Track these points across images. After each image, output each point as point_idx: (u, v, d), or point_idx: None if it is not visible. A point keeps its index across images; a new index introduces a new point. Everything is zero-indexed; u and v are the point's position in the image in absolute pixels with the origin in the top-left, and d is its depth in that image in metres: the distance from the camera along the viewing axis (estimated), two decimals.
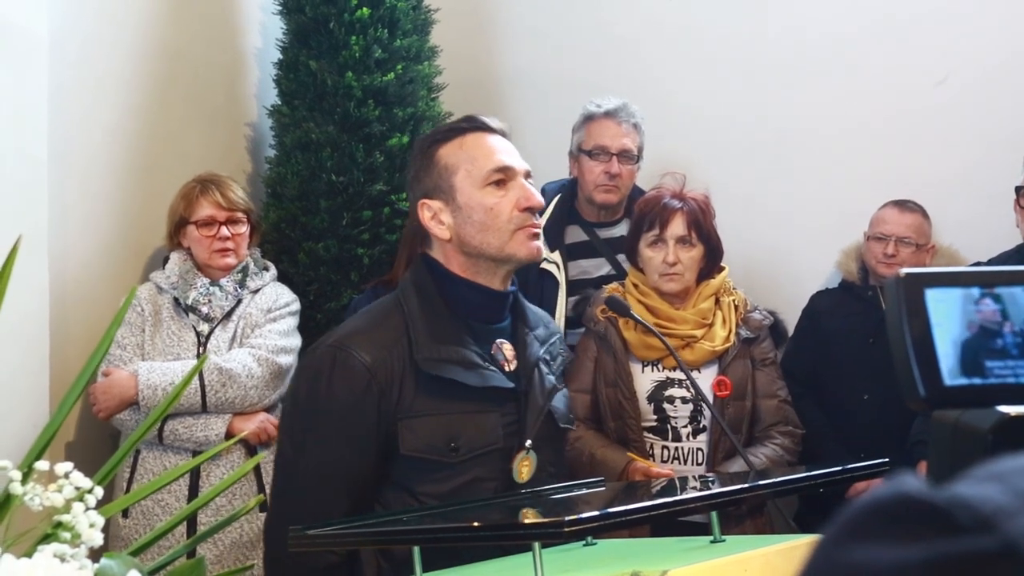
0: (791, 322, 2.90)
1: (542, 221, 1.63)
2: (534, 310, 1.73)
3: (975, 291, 0.48)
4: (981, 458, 0.56)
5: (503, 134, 1.63)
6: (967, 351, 0.47)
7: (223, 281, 2.79)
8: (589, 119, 2.95)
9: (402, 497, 1.55)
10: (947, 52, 3.12)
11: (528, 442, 1.57)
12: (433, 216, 1.61)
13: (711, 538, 1.34)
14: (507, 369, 1.60)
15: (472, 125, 1.62)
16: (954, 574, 0.32)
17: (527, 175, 1.61)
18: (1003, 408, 0.51)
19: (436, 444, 1.54)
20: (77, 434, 2.77)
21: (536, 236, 1.58)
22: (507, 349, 1.61)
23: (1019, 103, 3.04)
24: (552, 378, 1.65)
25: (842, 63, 3.21)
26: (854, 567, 0.34)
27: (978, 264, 2.78)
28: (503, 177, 1.58)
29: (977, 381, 0.47)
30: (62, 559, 0.68)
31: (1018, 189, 2.62)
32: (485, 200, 1.57)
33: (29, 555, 0.67)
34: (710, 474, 2.37)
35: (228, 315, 2.78)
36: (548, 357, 1.66)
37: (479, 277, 1.60)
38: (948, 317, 0.47)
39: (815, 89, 3.22)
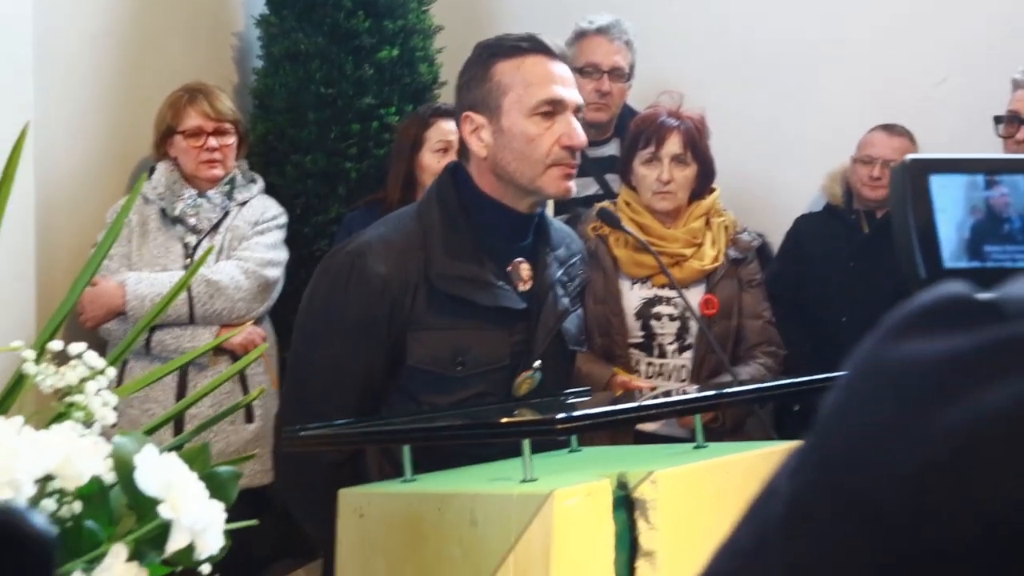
0: (776, 245, 2.93)
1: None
2: (559, 228, 1.73)
3: (979, 178, 0.49)
4: None
5: (564, 59, 1.60)
6: (969, 235, 0.49)
7: (210, 193, 2.78)
8: (581, 36, 2.92)
9: (407, 404, 1.58)
10: None
11: (537, 362, 1.58)
12: (474, 130, 1.58)
13: (694, 444, 1.38)
14: (521, 289, 1.60)
15: (535, 46, 1.58)
16: (1006, 355, 0.34)
17: (577, 110, 1.59)
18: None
19: (442, 358, 1.56)
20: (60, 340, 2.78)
21: (570, 176, 1.57)
22: (524, 269, 1.61)
23: (1010, 25, 3.03)
24: (566, 300, 1.65)
25: None
26: (905, 361, 0.36)
27: None
28: (552, 110, 1.56)
29: (976, 264, 0.49)
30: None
31: (996, 119, 2.63)
32: (528, 129, 1.55)
33: None
34: (693, 386, 2.42)
35: (215, 227, 2.77)
36: (565, 278, 1.66)
37: (506, 199, 1.59)
38: (951, 202, 0.49)
39: (806, 13, 3.20)
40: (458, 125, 1.63)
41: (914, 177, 0.49)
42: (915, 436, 0.34)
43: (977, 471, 0.33)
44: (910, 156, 0.50)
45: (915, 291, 0.50)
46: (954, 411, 0.34)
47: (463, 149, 1.63)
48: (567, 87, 1.58)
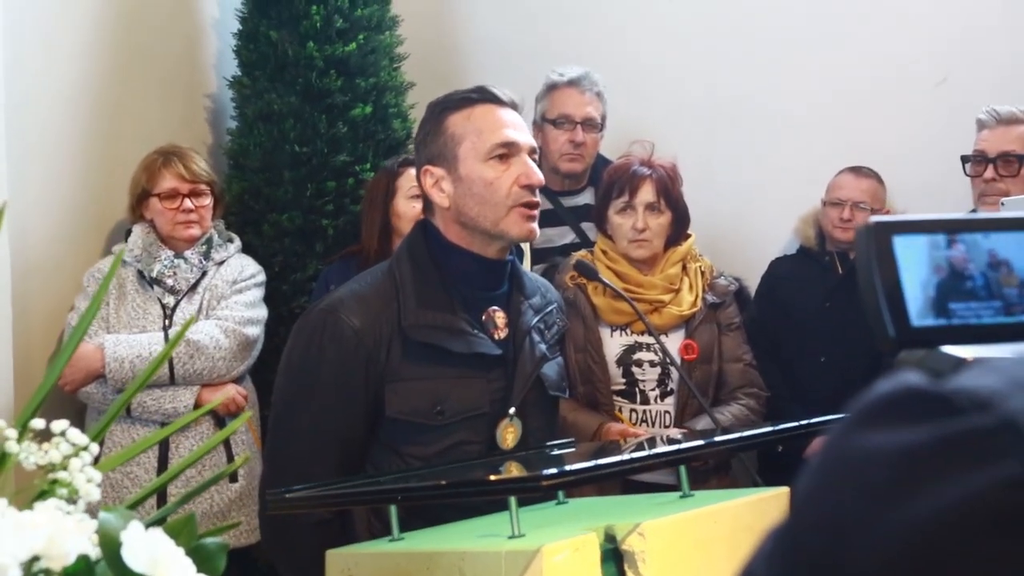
0: (754, 288, 2.96)
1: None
2: (533, 278, 1.76)
3: (941, 237, 0.51)
4: None
5: (514, 107, 1.65)
6: (934, 294, 0.51)
7: (188, 253, 2.78)
8: (552, 88, 2.97)
9: (390, 457, 1.59)
10: (904, 23, 3.18)
11: (512, 410, 1.59)
12: (435, 183, 1.63)
13: (680, 493, 1.38)
14: (497, 337, 1.62)
15: (483, 96, 1.64)
16: (959, 449, 0.36)
17: (532, 152, 1.63)
18: (961, 353, 0.54)
19: (421, 408, 1.57)
20: (42, 409, 2.75)
21: (532, 217, 1.61)
22: (499, 317, 1.63)
23: (972, 69, 3.11)
24: (544, 347, 1.67)
25: (802, 34, 3.25)
26: (867, 452, 0.37)
27: None
28: (507, 152, 1.60)
29: (943, 322, 0.50)
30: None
31: (964, 159, 2.69)
32: (486, 174, 1.59)
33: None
34: (679, 433, 2.42)
35: (193, 287, 2.77)
36: (542, 326, 1.68)
37: (474, 247, 1.62)
38: (915, 262, 0.50)
39: (775, 59, 3.27)
40: (419, 182, 1.66)
41: (878, 239, 0.50)
42: (878, 529, 0.36)
43: (937, 565, 0.34)
44: (873, 219, 0.52)
45: (884, 350, 0.52)
46: (914, 505, 0.35)
47: (427, 204, 1.67)
48: (518, 130, 1.63)
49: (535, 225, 1.62)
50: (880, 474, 0.37)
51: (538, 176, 1.60)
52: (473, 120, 1.61)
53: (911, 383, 0.38)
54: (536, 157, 1.65)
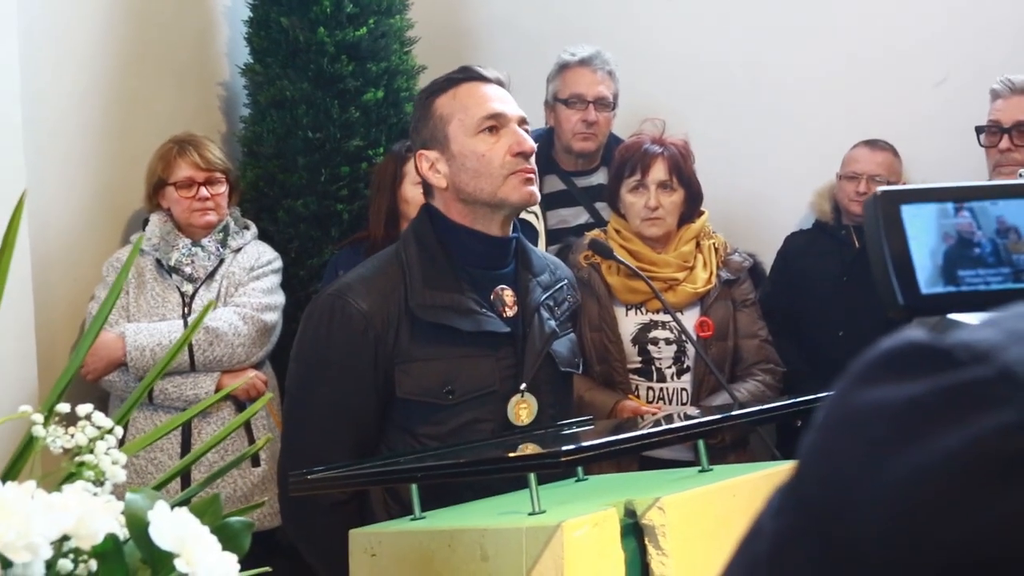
0: (768, 264, 2.95)
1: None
2: (542, 255, 1.78)
3: (949, 206, 0.52)
4: None
5: (499, 83, 1.67)
6: (942, 261, 0.51)
7: (205, 241, 2.80)
8: (564, 68, 2.96)
9: (404, 438, 1.61)
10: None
11: (523, 386, 1.61)
12: (430, 166, 1.65)
13: (699, 468, 1.39)
14: (506, 315, 1.64)
15: (466, 75, 1.66)
16: (959, 400, 0.37)
17: (521, 122, 1.65)
18: (972, 320, 0.55)
19: (431, 387, 1.59)
20: (65, 398, 2.78)
21: (530, 181, 1.62)
22: (507, 295, 1.65)
23: (988, 35, 3.08)
24: (553, 323, 1.68)
25: (816, 8, 3.23)
26: (869, 407, 0.38)
27: None
28: (495, 124, 1.62)
29: (952, 289, 0.51)
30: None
31: (978, 129, 2.67)
32: (477, 147, 1.61)
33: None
34: (695, 408, 2.43)
35: (211, 275, 2.79)
36: (552, 303, 1.70)
37: (477, 224, 1.64)
38: (924, 230, 0.51)
39: (788, 34, 3.25)
40: (416, 168, 1.69)
41: (886, 208, 0.51)
42: (879, 479, 0.36)
43: (937, 512, 0.35)
44: (881, 188, 0.52)
45: (894, 317, 0.53)
46: (913, 455, 0.36)
47: (427, 188, 1.69)
48: (505, 103, 1.65)
49: (534, 188, 1.63)
50: (882, 427, 0.37)
51: (529, 143, 1.62)
52: (459, 98, 1.63)
53: (912, 338, 0.39)
54: (527, 128, 1.66)
